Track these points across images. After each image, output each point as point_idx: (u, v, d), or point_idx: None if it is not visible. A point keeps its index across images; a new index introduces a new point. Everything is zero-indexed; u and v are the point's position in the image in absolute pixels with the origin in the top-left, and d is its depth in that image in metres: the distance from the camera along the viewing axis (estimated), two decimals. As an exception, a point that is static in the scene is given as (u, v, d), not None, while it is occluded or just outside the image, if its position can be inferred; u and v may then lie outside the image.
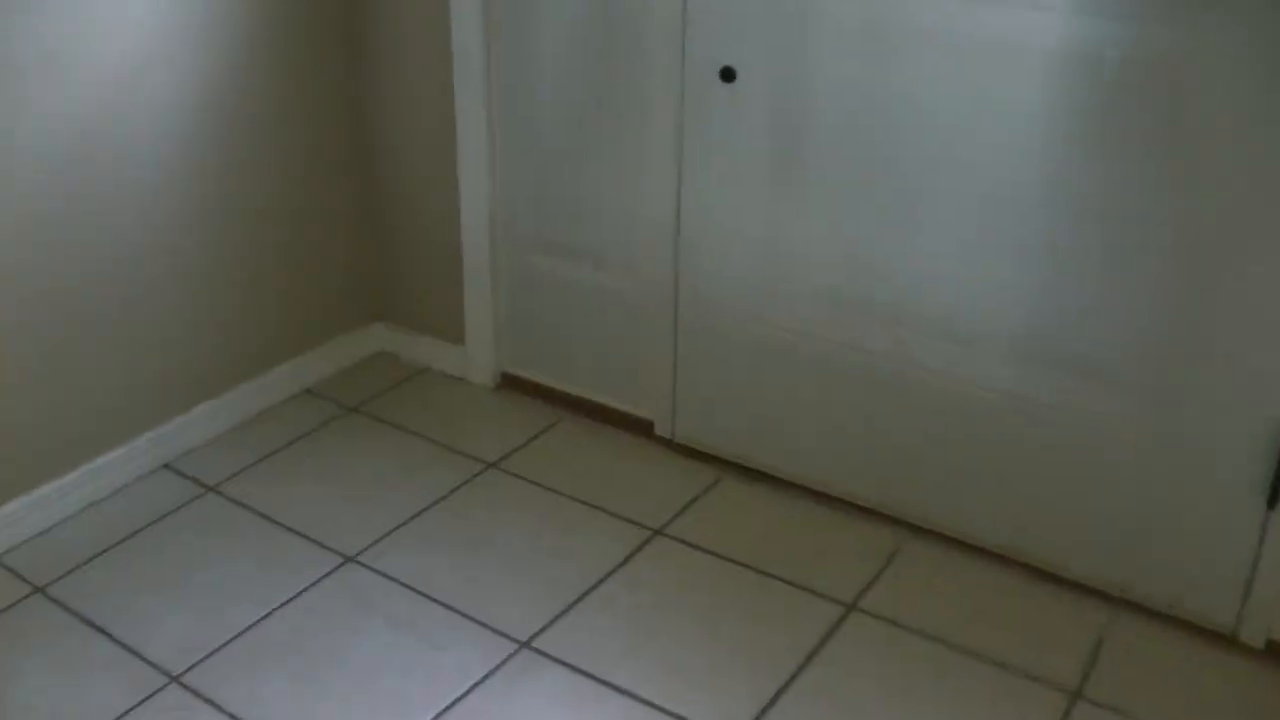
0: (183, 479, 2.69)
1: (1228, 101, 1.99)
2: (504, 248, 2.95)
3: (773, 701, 2.12)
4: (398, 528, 2.54)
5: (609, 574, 2.41)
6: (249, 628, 2.27)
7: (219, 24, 2.64)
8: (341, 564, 2.43)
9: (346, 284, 3.14)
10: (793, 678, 2.16)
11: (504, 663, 2.20)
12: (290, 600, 2.34)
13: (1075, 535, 2.35)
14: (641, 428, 2.85)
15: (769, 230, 2.51)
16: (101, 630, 2.27)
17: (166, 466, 2.73)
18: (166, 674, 2.16)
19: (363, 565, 2.43)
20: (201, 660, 2.19)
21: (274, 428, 2.90)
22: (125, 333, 2.63)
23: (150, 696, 2.12)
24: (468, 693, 2.14)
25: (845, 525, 2.56)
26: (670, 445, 2.81)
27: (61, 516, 2.56)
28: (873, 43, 2.28)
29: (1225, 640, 2.25)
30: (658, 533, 2.53)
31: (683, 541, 2.51)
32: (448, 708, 2.11)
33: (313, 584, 2.38)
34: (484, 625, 2.28)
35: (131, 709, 2.10)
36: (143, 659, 2.19)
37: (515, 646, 2.23)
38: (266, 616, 2.29)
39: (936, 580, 2.41)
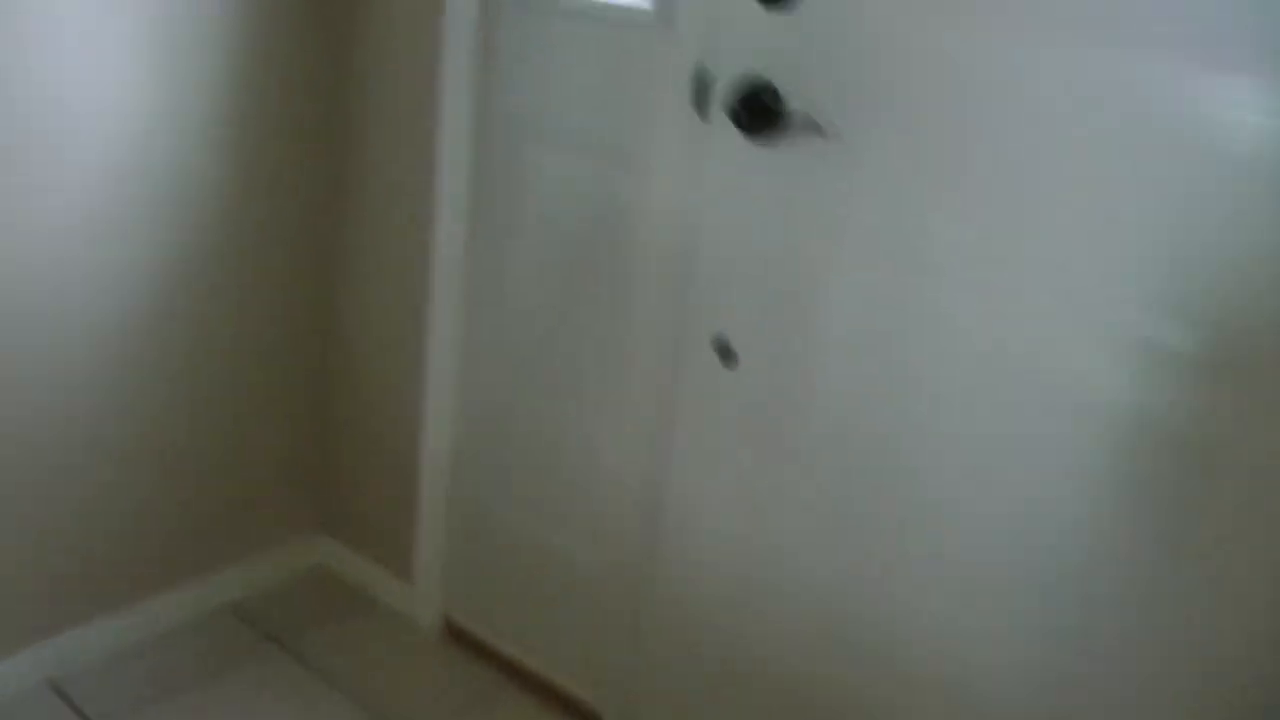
0: (62, 708, 2.36)
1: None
2: (465, 488, 2.64)
3: None
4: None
5: None
6: None
7: (179, 192, 2.39)
8: None
9: (291, 493, 2.84)
10: None
11: None
12: None
13: None
14: (589, 718, 2.51)
15: (752, 537, 2.18)
16: None
17: (52, 688, 2.40)
18: None
19: None
20: None
21: (185, 651, 2.57)
22: (17, 525, 2.32)
23: None
24: None
25: None
26: (618, 746, 2.46)
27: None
28: (886, 348, 1.98)
29: None
30: None
31: None
32: None
33: None
34: None
35: None
36: None
37: None
38: None
39: None
